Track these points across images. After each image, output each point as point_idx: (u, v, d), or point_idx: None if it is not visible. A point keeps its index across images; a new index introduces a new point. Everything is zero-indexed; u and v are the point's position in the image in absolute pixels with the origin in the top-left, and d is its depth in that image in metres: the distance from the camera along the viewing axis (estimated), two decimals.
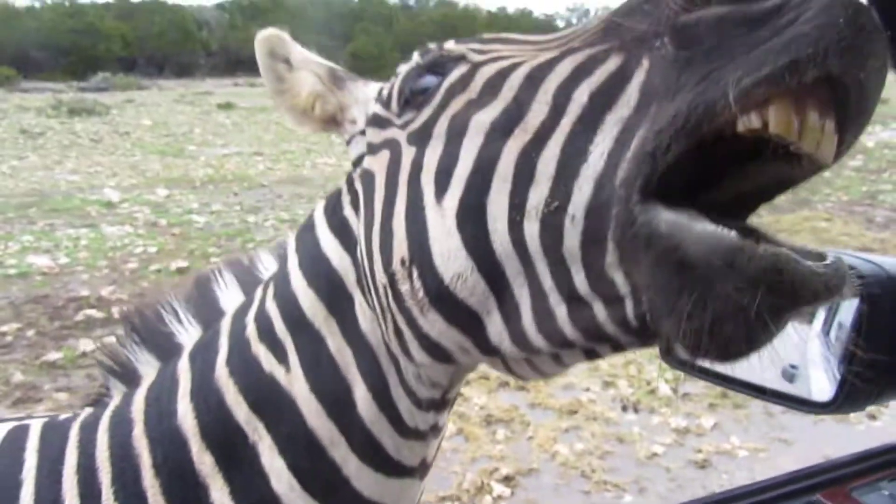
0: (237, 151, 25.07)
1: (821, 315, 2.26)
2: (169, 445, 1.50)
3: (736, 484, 4.26)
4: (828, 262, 0.90)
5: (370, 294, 1.41)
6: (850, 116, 0.97)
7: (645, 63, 1.04)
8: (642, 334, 1.05)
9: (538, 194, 1.09)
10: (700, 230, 0.91)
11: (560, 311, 1.12)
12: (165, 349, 1.71)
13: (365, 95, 1.62)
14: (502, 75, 1.24)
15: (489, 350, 1.25)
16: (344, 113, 1.64)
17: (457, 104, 1.27)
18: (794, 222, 13.32)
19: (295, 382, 1.47)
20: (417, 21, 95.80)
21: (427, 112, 1.33)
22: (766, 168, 1.06)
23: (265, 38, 1.62)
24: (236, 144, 26.91)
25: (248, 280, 1.75)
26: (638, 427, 6.70)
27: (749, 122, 0.92)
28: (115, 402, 1.65)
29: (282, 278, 1.57)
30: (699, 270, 0.90)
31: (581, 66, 1.12)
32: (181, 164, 22.22)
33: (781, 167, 1.05)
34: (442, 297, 1.23)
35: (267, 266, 1.75)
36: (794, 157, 0.98)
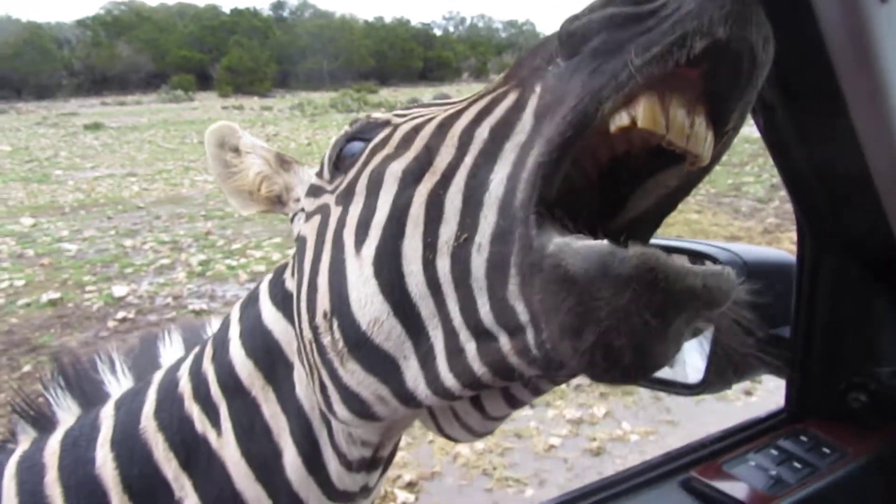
0: (109, 173, 23.90)
1: None
2: (85, 494, 1.46)
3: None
4: (710, 266, 0.93)
5: (301, 355, 1.43)
6: (739, 90, 1.01)
7: (537, 88, 1.08)
8: (546, 365, 1.04)
9: (448, 230, 1.11)
10: (577, 244, 0.93)
11: (469, 347, 1.12)
12: (91, 397, 1.68)
13: (309, 176, 1.68)
14: (416, 129, 1.28)
15: (406, 397, 1.24)
16: (289, 193, 1.71)
17: (376, 160, 1.31)
18: None
19: (226, 447, 1.48)
20: (293, 33, 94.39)
21: (352, 173, 1.36)
22: (661, 177, 1.13)
23: (215, 129, 1.73)
24: (107, 166, 25.66)
25: (193, 342, 1.77)
26: (535, 422, 6.84)
27: (620, 119, 0.97)
28: (22, 447, 1.60)
29: (221, 344, 1.58)
30: (579, 283, 0.91)
31: (484, 108, 1.17)
32: (47, 190, 20.93)
33: (672, 175, 1.12)
34: (360, 345, 1.23)
35: (215, 330, 1.78)
36: (679, 159, 1.05)
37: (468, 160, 1.13)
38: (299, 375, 1.48)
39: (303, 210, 1.57)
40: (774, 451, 1.90)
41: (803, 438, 1.94)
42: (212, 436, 1.49)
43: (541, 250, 0.96)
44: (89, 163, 26.74)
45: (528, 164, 1.03)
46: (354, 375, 1.28)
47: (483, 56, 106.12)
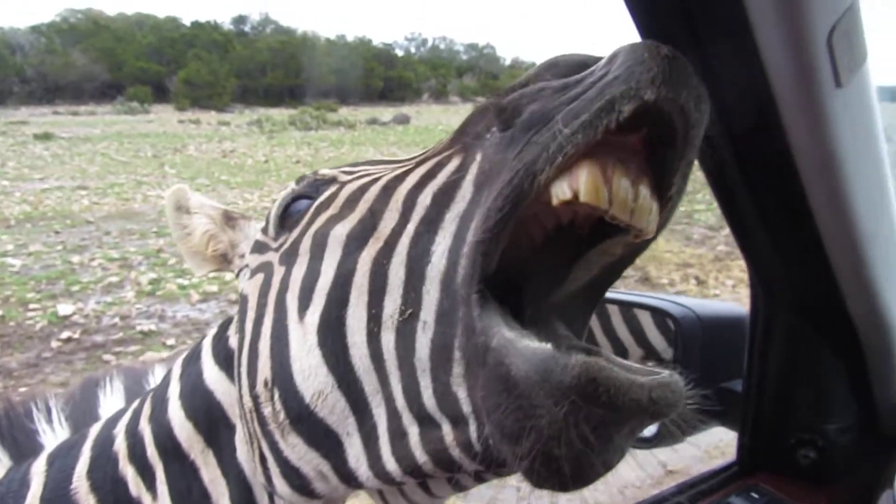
0: (58, 185, 23.34)
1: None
2: None
3: None
4: (658, 376, 0.87)
5: (241, 421, 1.38)
6: (678, 152, 0.99)
7: (478, 156, 1.06)
8: (487, 462, 1.00)
9: (392, 303, 1.07)
10: (522, 346, 0.89)
11: (412, 431, 1.07)
12: (23, 448, 1.62)
13: (255, 231, 1.67)
14: (362, 190, 1.25)
15: (347, 476, 1.19)
16: (234, 250, 1.70)
17: (320, 221, 1.27)
18: None
19: None
20: (254, 48, 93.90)
21: (296, 232, 1.33)
22: (605, 247, 1.10)
23: (172, 193, 1.73)
24: (57, 178, 25.06)
25: (135, 391, 1.73)
26: None
27: (562, 192, 0.93)
28: None
29: (159, 402, 1.52)
30: (520, 387, 0.86)
31: (428, 172, 1.14)
32: None
33: (617, 243, 1.09)
34: (302, 418, 1.18)
35: (157, 380, 1.75)
36: (623, 229, 1.00)
37: (410, 228, 1.10)
38: (241, 439, 1.43)
39: (247, 266, 1.53)
40: None
41: (754, 495, 1.95)
42: (146, 499, 1.44)
43: (484, 338, 0.93)
44: (38, 174, 26.08)
45: (468, 238, 1.00)
46: (296, 449, 1.22)
47: (444, 77, 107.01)
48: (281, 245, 1.37)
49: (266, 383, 1.22)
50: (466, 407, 0.98)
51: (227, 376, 1.46)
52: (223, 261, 1.71)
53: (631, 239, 1.04)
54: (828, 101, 1.19)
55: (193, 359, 1.56)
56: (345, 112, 61.65)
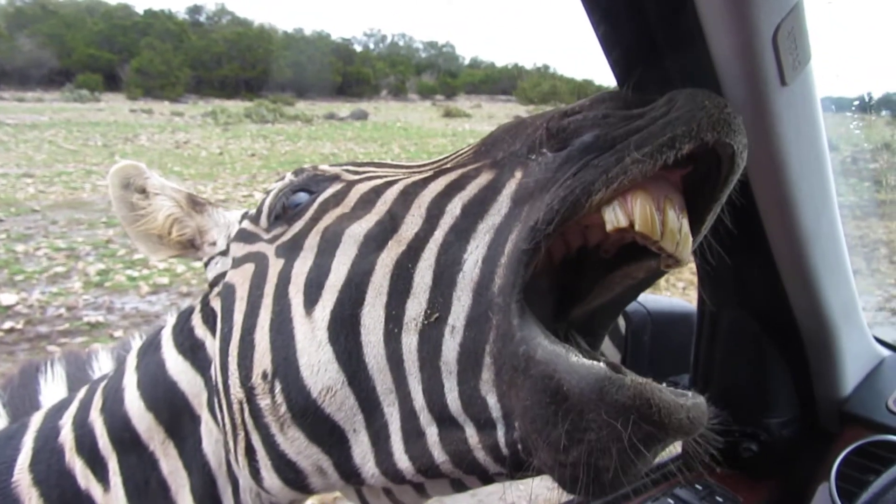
0: (2, 173, 22.59)
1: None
2: None
3: None
4: (690, 398, 0.96)
5: (221, 412, 1.35)
6: (716, 193, 1.08)
7: (518, 174, 1.10)
8: (513, 465, 1.04)
9: (416, 306, 1.09)
10: (574, 361, 0.94)
11: (431, 431, 1.10)
12: None
13: (226, 219, 1.64)
14: (376, 191, 1.27)
15: (349, 473, 1.20)
16: (203, 236, 1.64)
17: (329, 218, 1.28)
18: None
19: (114, 503, 1.41)
20: (210, 39, 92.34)
21: (298, 226, 1.33)
22: (629, 270, 1.17)
23: (119, 169, 1.63)
24: (1, 165, 24.28)
25: (78, 377, 1.70)
26: None
27: (616, 219, 1.00)
28: None
29: (113, 393, 1.49)
30: (572, 401, 0.92)
31: (454, 182, 1.17)
32: None
33: (640, 268, 1.16)
34: (307, 412, 1.18)
35: (102, 366, 1.72)
36: (650, 254, 1.08)
37: (438, 235, 1.12)
38: (208, 430, 1.42)
39: (222, 254, 1.54)
40: (671, 501, 1.95)
41: (698, 486, 2.00)
42: (96, 492, 1.41)
43: (525, 348, 0.97)
44: None
45: (507, 248, 1.03)
46: (295, 444, 1.22)
47: (402, 75, 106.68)
48: (277, 237, 1.36)
49: (265, 375, 1.22)
50: (496, 412, 1.02)
51: (193, 367, 1.46)
52: (188, 247, 1.66)
53: (660, 265, 1.11)
54: (773, 98, 1.23)
55: (151, 349, 1.54)
56: (302, 106, 61.05)
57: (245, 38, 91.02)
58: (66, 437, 1.46)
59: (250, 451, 1.29)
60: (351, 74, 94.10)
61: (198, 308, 1.54)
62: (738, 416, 2.02)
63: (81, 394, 1.55)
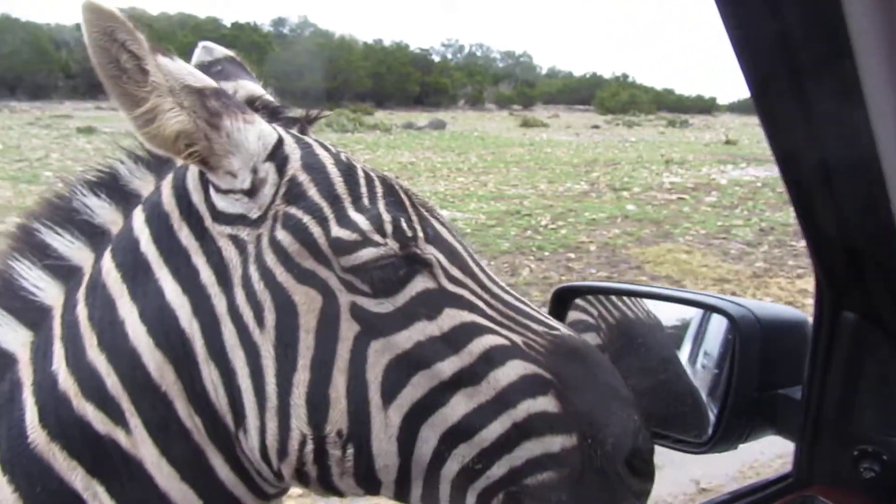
0: None
1: (686, 346, 2.34)
2: None
3: None
4: None
5: (262, 411, 1.35)
6: None
7: None
8: None
9: (469, 452, 1.36)
10: None
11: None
12: None
13: (248, 145, 1.39)
14: (468, 334, 1.38)
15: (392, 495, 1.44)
16: (220, 160, 1.38)
17: (415, 332, 1.36)
18: (658, 254, 14.02)
19: (140, 446, 1.35)
20: (292, 50, 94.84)
21: (377, 308, 1.36)
22: None
23: (94, 8, 1.24)
24: None
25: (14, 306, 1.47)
26: None
27: None
28: None
29: (110, 325, 1.38)
30: None
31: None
32: (36, 192, 20.66)
33: None
34: (367, 476, 1.38)
35: (38, 285, 1.46)
36: None
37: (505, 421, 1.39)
38: (212, 381, 1.37)
39: (247, 195, 1.39)
40: None
41: None
42: (119, 435, 1.35)
43: None
44: (80, 166, 26.32)
45: None
46: (344, 484, 1.41)
47: (480, 84, 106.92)
48: (353, 287, 1.36)
49: (340, 434, 1.34)
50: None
51: (190, 302, 1.38)
52: (200, 162, 1.39)
53: None
54: None
55: (141, 272, 1.41)
56: (381, 116, 61.86)
57: (326, 49, 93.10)
58: (67, 382, 1.36)
59: (295, 461, 1.38)
60: (429, 84, 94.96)
61: (185, 223, 1.42)
62: (858, 432, 1.87)
63: (57, 330, 1.41)
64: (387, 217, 1.37)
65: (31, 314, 1.45)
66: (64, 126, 41.20)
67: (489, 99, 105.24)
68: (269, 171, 1.40)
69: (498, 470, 1.32)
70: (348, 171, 1.45)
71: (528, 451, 1.32)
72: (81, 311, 1.41)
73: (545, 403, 1.33)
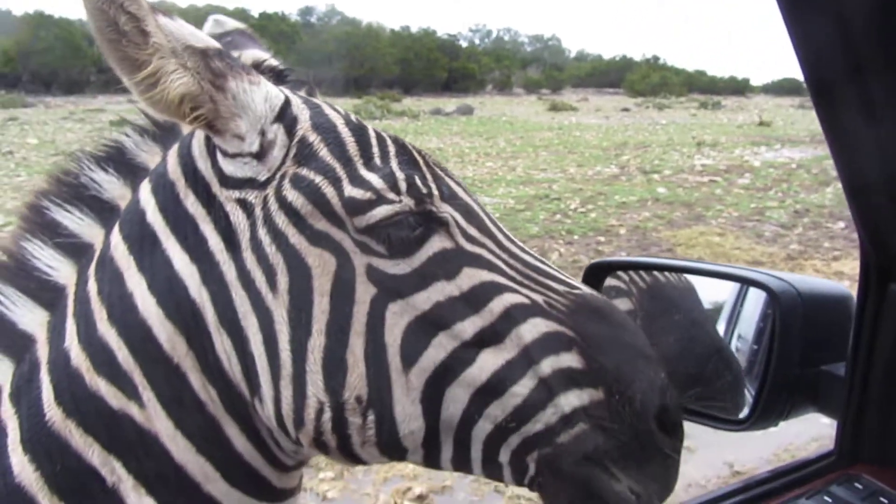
0: None
1: (720, 328, 2.28)
2: None
3: None
4: None
5: (276, 374, 1.32)
6: None
7: None
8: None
9: (499, 412, 1.32)
10: None
11: (476, 467, 1.37)
12: None
13: (255, 106, 1.35)
14: (486, 293, 1.34)
15: (423, 462, 1.41)
16: (226, 122, 1.34)
17: (434, 293, 1.32)
18: (690, 237, 13.83)
19: (155, 420, 1.33)
20: (320, 39, 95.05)
21: (394, 269, 1.32)
22: None
23: None
24: None
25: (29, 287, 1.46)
26: None
27: None
28: None
29: (119, 298, 1.36)
30: None
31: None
32: None
33: None
34: (390, 444, 1.34)
35: (51, 264, 1.45)
36: None
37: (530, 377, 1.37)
38: (224, 351, 1.35)
39: (256, 158, 1.36)
40: (828, 498, 1.75)
41: (858, 486, 1.79)
42: (133, 409, 1.33)
43: None
44: None
45: None
46: (366, 453, 1.37)
47: (508, 69, 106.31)
48: (366, 248, 1.32)
49: (360, 400, 1.31)
50: (532, 471, 1.36)
51: (199, 270, 1.36)
52: (205, 126, 1.34)
53: None
54: None
55: (148, 240, 1.38)
56: (409, 102, 61.77)
57: (354, 37, 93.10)
58: (79, 358, 1.35)
59: (312, 431, 1.34)
60: (457, 70, 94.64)
61: (191, 191, 1.39)
62: None
63: (70, 307, 1.40)
64: (400, 175, 1.34)
65: (47, 294, 1.44)
66: (97, 120, 41.72)
67: (517, 83, 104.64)
68: (277, 132, 1.36)
69: (532, 426, 1.29)
70: (359, 130, 1.42)
71: (558, 406, 1.29)
72: (92, 287, 1.39)
73: (570, 360, 1.30)
